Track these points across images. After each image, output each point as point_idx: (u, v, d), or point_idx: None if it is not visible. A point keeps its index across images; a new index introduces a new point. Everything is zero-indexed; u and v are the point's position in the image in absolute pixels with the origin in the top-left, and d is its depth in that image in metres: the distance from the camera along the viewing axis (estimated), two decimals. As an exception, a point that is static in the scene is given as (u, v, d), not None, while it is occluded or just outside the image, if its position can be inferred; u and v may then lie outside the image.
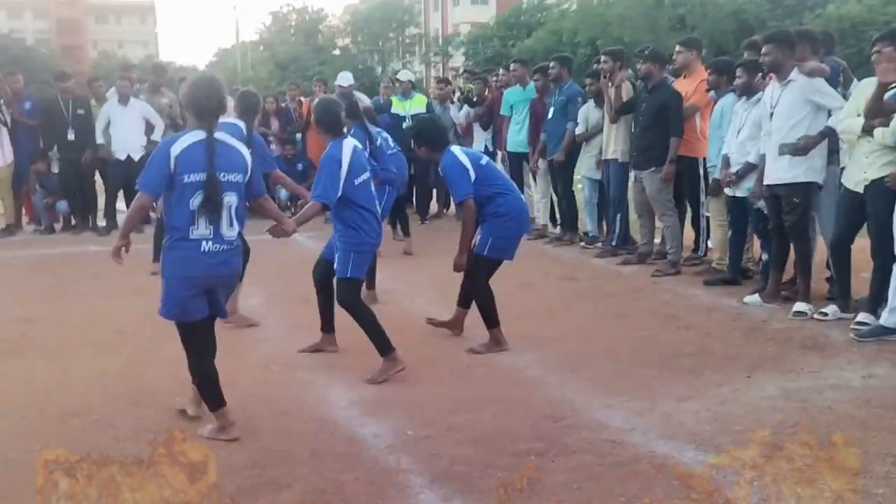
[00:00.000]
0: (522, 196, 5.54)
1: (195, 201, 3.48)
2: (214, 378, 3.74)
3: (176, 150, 3.49)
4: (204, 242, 3.53)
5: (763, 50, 5.58)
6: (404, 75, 10.97)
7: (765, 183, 5.63)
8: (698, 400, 4.06)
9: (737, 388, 4.24)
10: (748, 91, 6.01)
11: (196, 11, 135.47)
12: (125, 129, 9.49)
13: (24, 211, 10.34)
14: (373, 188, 4.77)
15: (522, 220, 5.11)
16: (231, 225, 3.59)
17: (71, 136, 9.55)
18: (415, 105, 10.00)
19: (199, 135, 3.52)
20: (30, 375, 4.67)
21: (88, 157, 9.62)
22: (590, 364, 4.70)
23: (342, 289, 4.61)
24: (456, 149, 5.07)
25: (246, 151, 3.72)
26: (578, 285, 6.77)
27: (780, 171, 5.47)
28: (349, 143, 4.59)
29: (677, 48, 7.23)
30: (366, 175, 4.65)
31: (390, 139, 7.23)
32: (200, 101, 3.58)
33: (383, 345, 4.52)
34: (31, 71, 20.99)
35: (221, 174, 3.51)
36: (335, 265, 4.64)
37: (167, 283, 3.60)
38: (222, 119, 3.82)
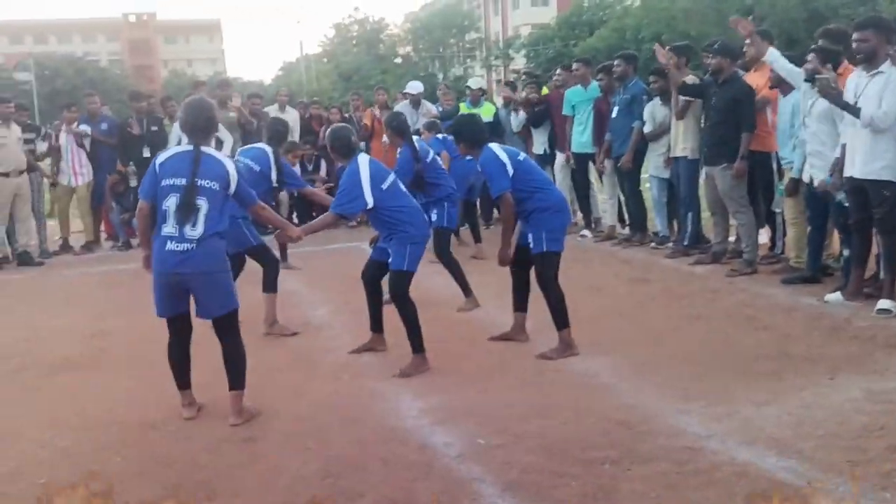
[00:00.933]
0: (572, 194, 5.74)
1: (168, 202, 3.97)
2: (182, 365, 4.23)
3: (160, 159, 4.11)
4: (169, 241, 3.96)
5: (858, 35, 5.23)
6: (475, 83, 10.92)
7: (847, 174, 5.39)
8: (779, 404, 3.91)
9: (819, 390, 4.06)
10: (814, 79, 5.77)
11: (261, 27, 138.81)
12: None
13: (102, 227, 10.71)
14: (402, 186, 5.05)
15: (566, 211, 5.24)
16: (194, 226, 3.95)
17: (146, 153, 9.84)
18: (484, 113, 9.93)
19: (186, 147, 4.07)
20: (108, 388, 4.80)
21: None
22: (664, 368, 4.58)
23: (396, 280, 4.89)
24: (494, 145, 5.13)
25: (230, 166, 4.14)
26: (650, 287, 6.62)
27: (866, 164, 5.23)
28: (363, 158, 4.89)
29: (747, 41, 7.01)
30: (391, 178, 4.93)
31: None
32: (190, 120, 4.14)
33: (418, 343, 4.85)
34: (105, 92, 21.78)
35: (199, 181, 3.96)
36: (391, 259, 4.90)
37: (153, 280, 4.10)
38: (251, 145, 4.31)
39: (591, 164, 9.09)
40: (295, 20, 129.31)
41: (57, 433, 4.10)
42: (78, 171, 9.91)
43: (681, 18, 31.10)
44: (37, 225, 9.68)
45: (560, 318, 4.99)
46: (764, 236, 7.29)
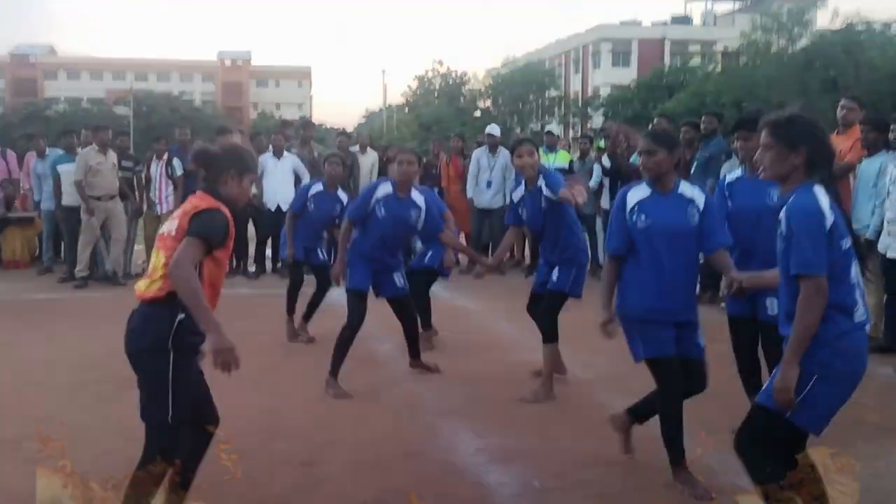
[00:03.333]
0: None
1: None
2: None
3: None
4: None
5: None
6: (493, 129, 11.08)
7: None
8: (849, 472, 3.77)
9: (892, 460, 3.92)
10: None
11: (348, 75, 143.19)
12: (276, 181, 10.08)
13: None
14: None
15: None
16: None
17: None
18: (559, 159, 10.09)
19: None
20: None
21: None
22: (728, 427, 4.47)
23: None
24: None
25: None
26: (718, 347, 6.46)
27: None
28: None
29: (843, 103, 6.91)
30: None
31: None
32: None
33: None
34: (196, 129, 22.72)
35: None
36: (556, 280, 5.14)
37: None
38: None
39: None
40: (381, 69, 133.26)
41: (124, 443, 4.25)
42: (164, 199, 10.36)
43: (763, 86, 30.84)
44: (125, 248, 10.14)
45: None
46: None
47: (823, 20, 36.30)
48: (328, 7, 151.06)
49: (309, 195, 6.76)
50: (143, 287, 3.11)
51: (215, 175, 3.20)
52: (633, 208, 3.75)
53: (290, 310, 6.85)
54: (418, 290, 6.26)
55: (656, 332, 3.72)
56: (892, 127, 5.82)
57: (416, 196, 5.45)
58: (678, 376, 3.78)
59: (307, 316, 6.86)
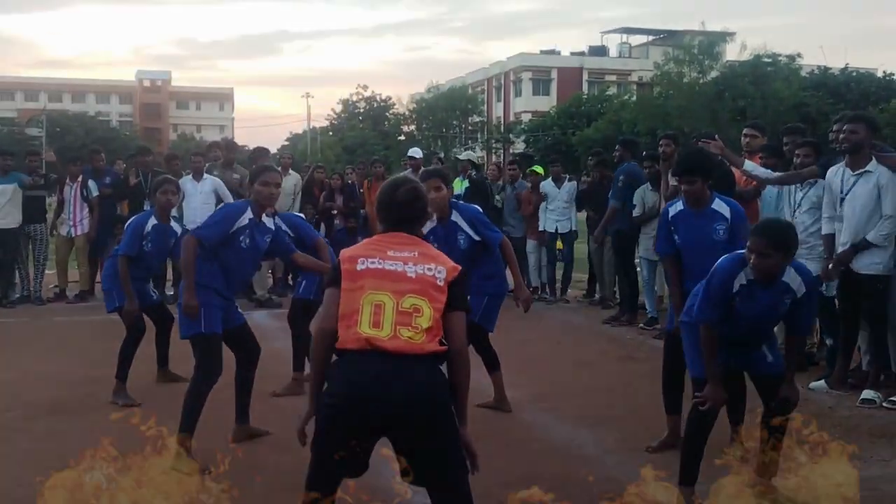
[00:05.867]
0: None
1: None
2: None
3: None
4: None
5: (850, 127, 5.40)
6: (465, 156, 11.29)
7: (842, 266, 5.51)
8: (762, 484, 3.91)
9: (802, 474, 4.07)
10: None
11: (270, 98, 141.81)
12: (197, 203, 9.88)
13: (97, 278, 10.75)
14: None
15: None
16: None
17: (147, 207, 9.98)
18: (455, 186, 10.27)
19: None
20: (94, 431, 4.77)
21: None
22: (648, 443, 4.59)
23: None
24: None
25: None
26: (638, 366, 6.67)
27: (862, 258, 5.38)
28: None
29: (746, 131, 7.22)
30: None
31: None
32: None
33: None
34: (113, 150, 22.13)
35: None
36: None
37: None
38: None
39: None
40: (304, 93, 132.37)
41: (36, 472, 4.07)
42: (78, 222, 10.03)
43: (675, 115, 32.06)
44: (36, 272, 9.78)
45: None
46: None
47: (732, 53, 37.93)
48: (251, 28, 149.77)
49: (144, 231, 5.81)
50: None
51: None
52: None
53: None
54: (295, 323, 5.92)
55: None
56: (784, 140, 6.12)
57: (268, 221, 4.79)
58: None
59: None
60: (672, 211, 4.59)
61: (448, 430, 2.87)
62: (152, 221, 5.80)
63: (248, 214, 4.54)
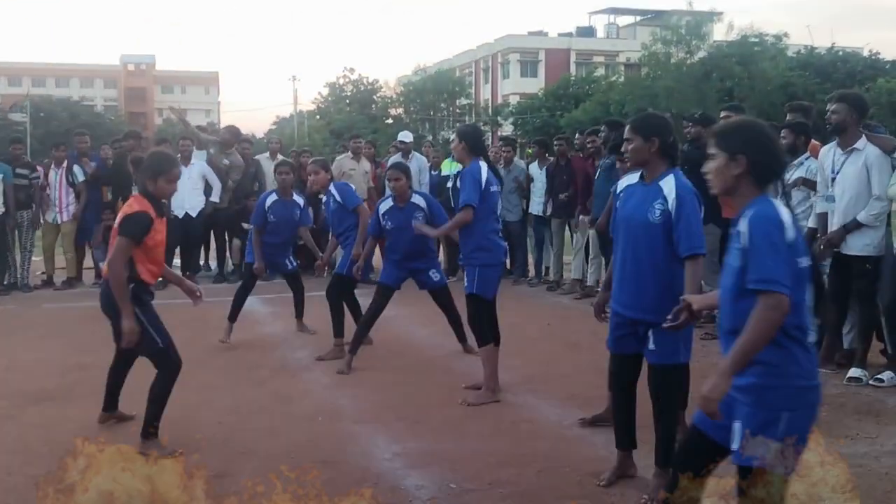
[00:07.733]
0: None
1: None
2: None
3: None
4: None
5: (833, 107, 5.40)
6: (405, 136, 11.10)
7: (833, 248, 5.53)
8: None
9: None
10: (793, 152, 5.98)
11: (257, 82, 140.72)
12: (184, 188, 9.79)
13: (84, 264, 10.67)
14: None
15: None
16: None
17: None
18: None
19: None
20: (84, 419, 4.78)
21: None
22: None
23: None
24: (483, 164, 5.10)
25: None
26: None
27: (852, 239, 5.38)
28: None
29: (723, 114, 7.23)
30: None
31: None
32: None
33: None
34: (99, 136, 21.89)
35: None
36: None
37: None
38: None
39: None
40: (290, 76, 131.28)
41: (26, 461, 4.07)
42: (63, 208, 9.94)
43: (663, 96, 32.01)
44: (22, 259, 9.72)
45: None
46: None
47: (720, 33, 37.83)
48: (237, 12, 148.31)
49: (266, 206, 6.92)
50: None
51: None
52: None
53: (233, 316, 6.76)
54: (332, 296, 6.45)
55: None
56: (788, 117, 6.12)
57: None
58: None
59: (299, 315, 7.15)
60: (622, 183, 4.06)
61: None
62: (272, 198, 6.95)
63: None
